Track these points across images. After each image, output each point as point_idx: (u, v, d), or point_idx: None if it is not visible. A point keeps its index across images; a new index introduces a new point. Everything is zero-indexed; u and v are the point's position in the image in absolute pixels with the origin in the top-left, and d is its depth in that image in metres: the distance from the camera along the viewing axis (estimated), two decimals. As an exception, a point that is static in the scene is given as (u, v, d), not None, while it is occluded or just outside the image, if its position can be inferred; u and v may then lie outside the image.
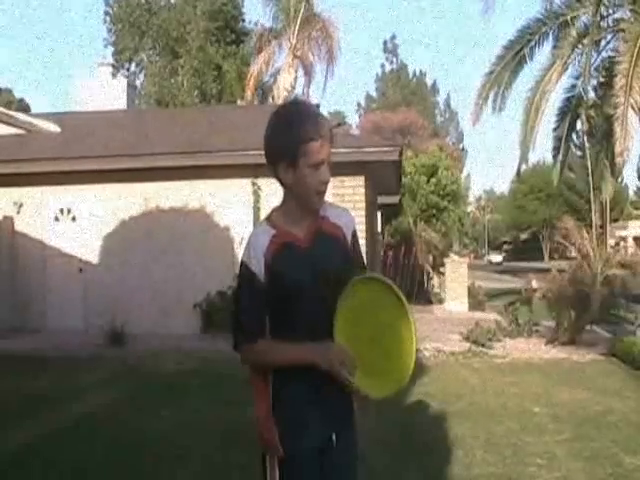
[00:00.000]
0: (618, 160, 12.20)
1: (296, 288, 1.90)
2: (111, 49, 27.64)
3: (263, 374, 1.97)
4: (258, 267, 1.90)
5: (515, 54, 14.89)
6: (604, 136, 14.02)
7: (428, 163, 21.39)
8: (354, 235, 2.06)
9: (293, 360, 1.89)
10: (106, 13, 27.55)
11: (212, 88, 25.60)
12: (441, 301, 15.24)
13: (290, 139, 1.85)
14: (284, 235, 1.93)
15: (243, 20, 28.47)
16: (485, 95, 15.20)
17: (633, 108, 11.77)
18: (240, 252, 8.67)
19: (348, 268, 1.96)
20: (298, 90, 27.98)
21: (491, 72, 15.12)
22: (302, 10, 24.29)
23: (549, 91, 14.54)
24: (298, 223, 1.95)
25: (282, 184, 1.94)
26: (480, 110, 15.40)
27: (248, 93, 23.81)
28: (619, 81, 11.90)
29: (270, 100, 25.50)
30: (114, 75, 18.56)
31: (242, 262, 1.95)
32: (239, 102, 25.80)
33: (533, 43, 14.89)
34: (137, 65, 27.93)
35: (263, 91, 27.78)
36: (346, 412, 2.03)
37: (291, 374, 1.91)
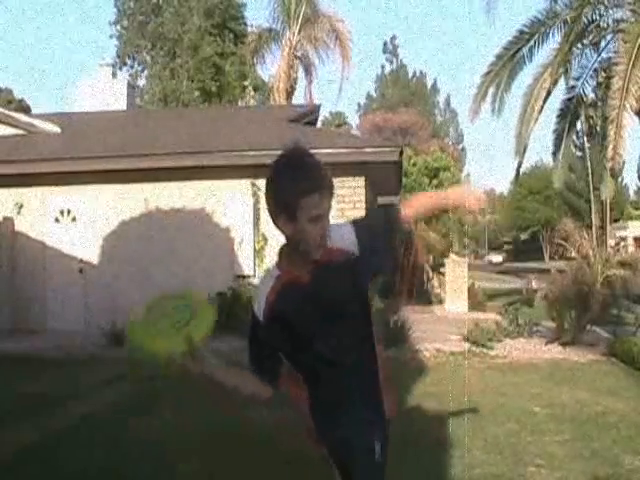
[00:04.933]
0: (609, 164, 12.13)
1: (302, 324, 1.94)
2: (115, 48, 27.66)
3: (298, 380, 2.04)
4: (259, 313, 1.98)
5: (514, 54, 14.91)
6: (603, 137, 14.03)
7: (432, 166, 21.49)
8: (359, 233, 1.99)
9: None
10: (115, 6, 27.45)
11: (211, 86, 25.61)
12: (441, 301, 15.24)
13: (288, 194, 1.83)
14: (287, 274, 1.96)
15: (245, 23, 28.43)
16: (483, 93, 15.23)
17: (626, 110, 11.63)
18: (240, 252, 8.70)
19: (355, 294, 1.98)
20: (299, 91, 28.03)
21: (490, 71, 15.17)
22: (302, 10, 24.30)
23: (547, 91, 14.54)
24: (302, 261, 1.94)
25: (283, 234, 1.93)
26: (478, 107, 15.45)
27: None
28: (616, 83, 11.77)
29: (271, 101, 25.52)
30: (114, 75, 18.58)
31: (251, 308, 2.03)
32: (240, 103, 25.83)
33: (532, 43, 14.91)
34: (140, 64, 27.93)
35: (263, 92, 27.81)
36: (378, 422, 2.10)
37: (324, 382, 2.00)
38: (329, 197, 1.87)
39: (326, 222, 1.89)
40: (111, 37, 27.58)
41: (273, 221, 1.91)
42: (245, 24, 28.34)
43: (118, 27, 27.32)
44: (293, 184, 1.82)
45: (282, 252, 2.01)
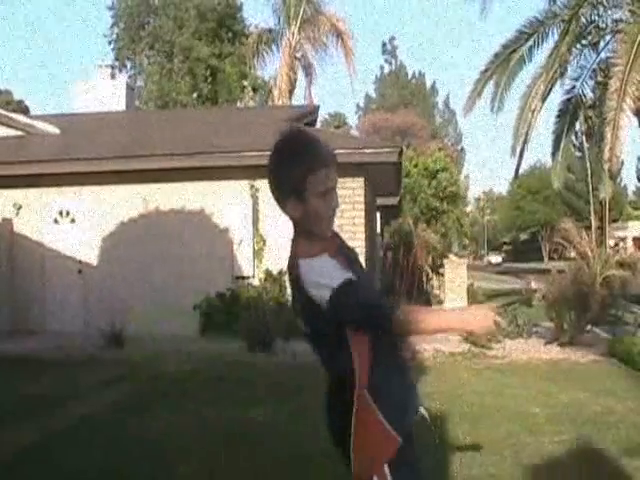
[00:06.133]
0: (607, 165, 12.06)
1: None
2: (112, 49, 27.67)
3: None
4: (344, 277, 1.77)
5: (511, 52, 14.89)
6: (601, 138, 14.02)
7: (433, 168, 21.51)
8: None
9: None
10: (111, 10, 27.43)
11: (204, 88, 25.62)
12: (440, 302, 15.22)
13: (294, 175, 1.80)
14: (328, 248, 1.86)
15: (243, 22, 28.40)
16: (479, 90, 15.19)
17: (624, 111, 11.56)
18: (239, 253, 8.70)
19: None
20: (299, 91, 28.05)
21: (487, 69, 15.15)
22: (302, 10, 24.32)
23: (545, 91, 14.52)
24: (319, 239, 1.88)
25: (291, 218, 1.89)
26: (473, 104, 15.41)
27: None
28: (613, 84, 11.70)
29: (270, 102, 25.51)
30: (113, 76, 18.59)
31: (342, 280, 1.78)
32: (239, 103, 25.82)
33: (532, 43, 14.89)
34: (137, 66, 27.94)
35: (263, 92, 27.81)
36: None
37: (387, 369, 1.92)
38: (335, 170, 1.85)
39: (334, 196, 1.87)
40: (110, 43, 27.65)
41: (282, 208, 1.88)
42: (244, 23, 28.36)
43: (116, 30, 27.35)
44: (296, 165, 1.80)
45: (297, 244, 1.90)
